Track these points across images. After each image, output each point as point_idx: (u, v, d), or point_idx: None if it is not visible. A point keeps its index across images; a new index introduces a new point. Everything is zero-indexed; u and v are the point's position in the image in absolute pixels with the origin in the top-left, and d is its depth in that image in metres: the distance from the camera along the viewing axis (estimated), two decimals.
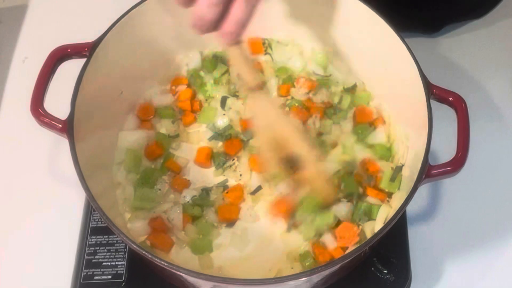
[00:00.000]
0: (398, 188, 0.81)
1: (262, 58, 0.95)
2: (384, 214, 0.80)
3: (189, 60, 0.94)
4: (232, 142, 0.87)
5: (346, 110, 0.89)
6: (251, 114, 0.78)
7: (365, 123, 0.87)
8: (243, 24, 0.66)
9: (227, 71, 0.93)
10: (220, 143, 0.88)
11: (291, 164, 0.78)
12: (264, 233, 0.82)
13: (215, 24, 0.67)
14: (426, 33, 1.04)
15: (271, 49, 0.94)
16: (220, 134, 0.88)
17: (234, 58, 0.73)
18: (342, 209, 0.80)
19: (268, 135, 0.77)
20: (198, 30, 0.67)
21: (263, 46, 0.95)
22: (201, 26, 0.66)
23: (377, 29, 0.81)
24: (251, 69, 0.74)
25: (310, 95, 0.90)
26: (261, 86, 0.75)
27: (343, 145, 0.86)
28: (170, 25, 0.88)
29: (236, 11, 0.65)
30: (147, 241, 0.80)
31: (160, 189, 0.83)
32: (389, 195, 0.82)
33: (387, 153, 0.85)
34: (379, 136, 0.86)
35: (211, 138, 0.88)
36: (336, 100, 0.90)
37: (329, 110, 0.89)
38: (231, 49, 0.72)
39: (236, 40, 0.69)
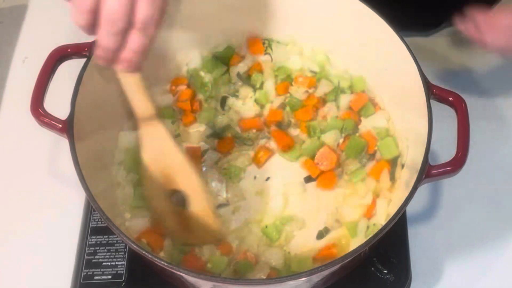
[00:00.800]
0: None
1: (262, 58, 0.94)
2: (383, 208, 0.81)
3: (189, 60, 0.94)
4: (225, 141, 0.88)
5: (345, 89, 0.91)
6: (142, 145, 0.77)
7: (366, 103, 0.89)
8: (142, 52, 0.65)
9: (227, 71, 0.93)
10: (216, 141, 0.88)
11: (178, 200, 0.78)
12: None
13: (117, 54, 0.66)
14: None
15: (271, 49, 0.94)
16: (218, 133, 0.88)
17: (127, 85, 0.72)
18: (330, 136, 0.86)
19: (157, 167, 0.76)
20: (103, 62, 0.66)
21: (263, 46, 0.95)
22: (105, 57, 0.65)
23: (377, 30, 0.81)
24: (145, 98, 0.73)
25: (310, 91, 0.91)
26: (154, 117, 0.74)
27: (343, 120, 0.87)
28: (170, 25, 0.87)
29: (134, 40, 0.64)
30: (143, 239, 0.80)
31: None
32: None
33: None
34: (379, 119, 0.87)
35: (208, 136, 0.88)
36: (335, 82, 0.91)
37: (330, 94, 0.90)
38: (125, 76, 0.70)
39: (135, 68, 0.67)
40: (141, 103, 0.73)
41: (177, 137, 0.88)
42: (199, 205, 0.77)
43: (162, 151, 0.76)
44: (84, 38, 0.78)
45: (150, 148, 0.76)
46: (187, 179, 0.76)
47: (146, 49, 0.65)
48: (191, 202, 0.77)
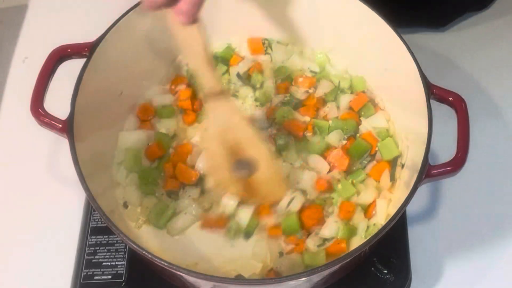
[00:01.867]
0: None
1: (262, 58, 0.94)
2: (383, 208, 0.81)
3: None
4: None
5: (345, 89, 0.91)
6: (209, 119, 0.78)
7: (366, 104, 0.89)
8: (199, 3, 0.66)
9: (227, 71, 0.93)
10: None
11: (244, 168, 0.79)
12: None
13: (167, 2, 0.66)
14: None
15: (271, 49, 0.94)
16: None
17: (193, 58, 0.73)
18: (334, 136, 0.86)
19: (223, 140, 0.77)
20: (148, 7, 0.66)
21: (263, 46, 0.95)
22: (152, 3, 0.66)
23: (377, 30, 0.81)
24: (213, 73, 0.74)
25: (310, 91, 0.91)
26: (222, 92, 0.75)
27: (344, 120, 0.88)
28: (170, 25, 0.85)
29: None
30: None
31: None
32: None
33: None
34: (379, 120, 0.87)
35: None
36: (335, 82, 0.91)
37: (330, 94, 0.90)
38: (191, 49, 0.72)
39: (192, 19, 0.68)
40: (210, 79, 0.74)
41: (178, 136, 0.88)
42: (268, 170, 0.79)
43: (229, 125, 0.77)
44: (84, 38, 0.79)
45: (216, 122, 0.77)
46: (255, 147, 0.78)
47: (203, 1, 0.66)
48: (260, 168, 0.78)
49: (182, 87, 0.92)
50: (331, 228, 0.80)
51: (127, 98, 0.89)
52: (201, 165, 0.85)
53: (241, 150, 0.78)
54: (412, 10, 1.02)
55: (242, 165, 0.79)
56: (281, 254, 0.80)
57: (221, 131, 0.77)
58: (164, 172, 0.85)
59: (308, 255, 0.79)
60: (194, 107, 0.90)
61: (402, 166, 0.83)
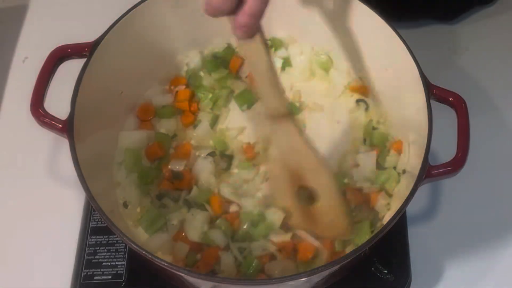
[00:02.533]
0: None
1: None
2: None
3: (189, 60, 0.94)
4: None
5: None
6: (273, 141, 0.75)
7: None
8: (258, 15, 0.63)
9: (227, 76, 0.93)
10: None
11: (306, 197, 0.77)
12: None
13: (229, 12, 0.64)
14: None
15: (274, 49, 0.94)
16: None
17: (257, 75, 0.70)
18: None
19: (286, 164, 0.75)
20: (209, 13, 0.64)
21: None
22: (214, 10, 0.63)
23: (377, 30, 0.81)
24: (278, 94, 0.70)
25: None
26: (285, 114, 0.72)
27: None
28: (170, 25, 0.88)
29: (250, 5, 0.62)
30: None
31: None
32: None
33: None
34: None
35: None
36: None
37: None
38: (254, 66, 0.69)
39: (251, 33, 0.66)
40: (274, 99, 0.71)
41: (177, 137, 0.88)
42: (329, 201, 0.76)
43: (292, 148, 0.74)
44: (84, 38, 0.80)
45: (280, 144, 0.75)
46: (318, 176, 0.75)
47: (263, 12, 0.63)
48: (321, 198, 0.76)
49: (181, 88, 0.92)
50: None
51: (127, 98, 0.89)
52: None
53: (303, 176, 0.75)
54: (419, 4, 1.01)
55: (303, 193, 0.77)
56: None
57: (283, 154, 0.75)
58: (163, 173, 0.85)
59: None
60: (192, 108, 0.90)
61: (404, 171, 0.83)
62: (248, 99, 0.90)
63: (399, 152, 0.84)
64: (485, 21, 1.07)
